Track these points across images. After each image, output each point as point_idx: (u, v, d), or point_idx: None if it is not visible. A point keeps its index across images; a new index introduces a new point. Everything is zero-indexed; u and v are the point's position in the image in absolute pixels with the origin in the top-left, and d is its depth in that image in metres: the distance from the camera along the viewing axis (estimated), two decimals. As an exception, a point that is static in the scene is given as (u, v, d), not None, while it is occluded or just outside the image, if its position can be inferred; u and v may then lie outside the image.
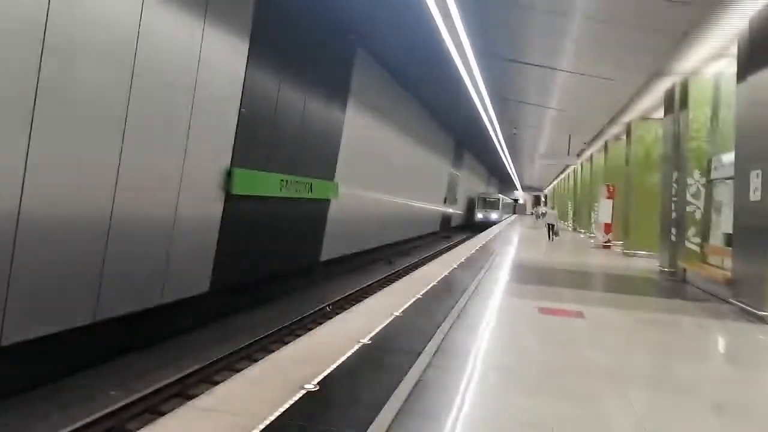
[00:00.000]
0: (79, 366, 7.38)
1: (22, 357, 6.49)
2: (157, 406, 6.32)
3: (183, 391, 6.79)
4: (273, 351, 8.68)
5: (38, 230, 6.14)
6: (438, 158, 30.82)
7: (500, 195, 47.20)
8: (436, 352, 4.96)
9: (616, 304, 8.21)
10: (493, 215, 44.38)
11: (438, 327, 5.87)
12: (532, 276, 11.01)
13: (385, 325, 5.84)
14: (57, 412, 6.13)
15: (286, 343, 8.33)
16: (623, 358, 5.18)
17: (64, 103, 6.24)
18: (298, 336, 9.72)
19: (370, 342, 5.13)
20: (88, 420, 5.65)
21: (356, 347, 4.94)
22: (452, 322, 6.18)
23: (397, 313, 6.42)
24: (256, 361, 8.28)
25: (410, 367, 4.41)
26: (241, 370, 7.94)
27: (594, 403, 3.95)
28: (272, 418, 3.35)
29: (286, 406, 3.54)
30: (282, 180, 11.78)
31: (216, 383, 7.22)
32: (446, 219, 36.52)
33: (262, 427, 3.22)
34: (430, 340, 5.31)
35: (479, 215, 44.65)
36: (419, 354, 4.83)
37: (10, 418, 5.88)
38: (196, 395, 6.69)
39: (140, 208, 7.67)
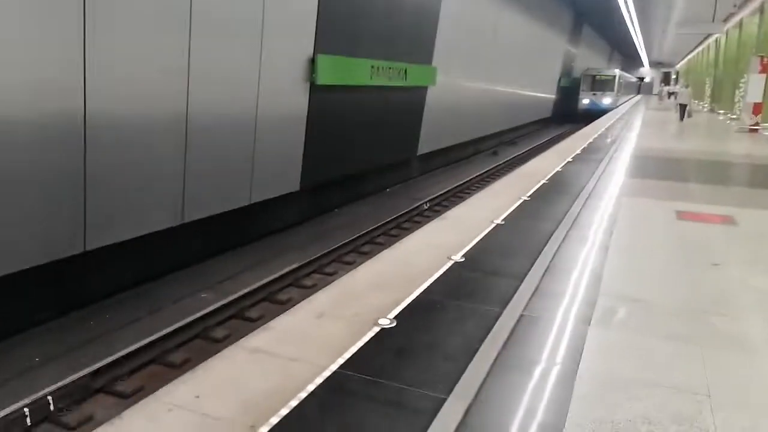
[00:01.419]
0: (170, 269, 7.36)
1: (109, 262, 6.47)
2: (246, 309, 6.12)
3: (270, 296, 6.55)
4: (365, 253, 8.44)
5: (109, 130, 5.78)
6: (552, 33, 27.76)
7: (617, 71, 33.78)
8: (544, 274, 4.07)
9: (776, 206, 6.71)
10: (606, 100, 31.58)
11: (548, 239, 4.93)
12: (663, 169, 9.51)
13: (483, 236, 5.00)
14: (147, 316, 6.11)
15: (369, 256, 7.78)
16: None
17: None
18: (393, 237, 9.23)
19: (463, 260, 4.33)
20: (178, 325, 5.51)
21: (447, 266, 4.17)
22: (566, 232, 5.21)
23: (499, 221, 5.53)
24: (347, 264, 7.94)
25: (509, 300, 3.58)
26: (332, 274, 7.83)
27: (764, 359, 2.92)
28: (335, 367, 2.72)
29: (354, 349, 2.89)
30: (373, 66, 10.82)
31: (305, 287, 6.93)
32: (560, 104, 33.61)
33: (320, 380, 2.60)
34: (537, 258, 4.41)
35: (584, 101, 31.77)
36: (522, 278, 3.97)
37: (100, 324, 5.92)
38: (282, 300, 6.48)
39: (215, 106, 7.13)
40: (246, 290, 6.35)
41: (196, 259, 7.82)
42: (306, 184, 9.68)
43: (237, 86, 7.57)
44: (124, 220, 6.25)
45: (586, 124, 20.74)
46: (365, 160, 11.85)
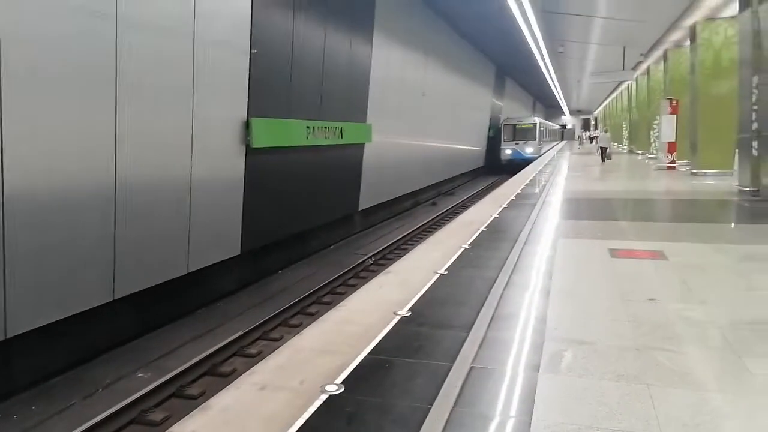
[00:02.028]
0: (105, 348, 6.89)
1: (35, 348, 5.98)
2: (186, 387, 5.74)
3: (213, 369, 6.20)
4: (311, 314, 8.23)
5: (28, 206, 5.46)
6: (478, 87, 29.07)
7: (537, 118, 32.76)
8: (490, 323, 4.05)
9: (700, 237, 7.04)
10: (528, 149, 30.63)
11: (491, 287, 4.93)
12: (593, 210, 9.88)
13: (427, 288, 4.95)
14: (79, 402, 5.63)
15: (315, 317, 7.63)
16: (738, 313, 4.12)
17: (33, 58, 5.40)
18: (339, 295, 9.06)
19: (409, 314, 4.25)
20: (112, 411, 5.09)
21: (393, 322, 4.07)
22: (507, 277, 5.24)
23: (442, 271, 5.52)
24: (293, 327, 7.69)
25: (457, 353, 3.51)
26: (278, 339, 7.55)
27: (716, 394, 2.96)
28: (279, 444, 2.54)
29: (300, 423, 2.72)
30: (308, 126, 10.91)
31: (250, 356, 6.62)
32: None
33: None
34: (482, 307, 4.39)
35: (507, 151, 30.96)
36: (469, 329, 3.92)
37: (26, 417, 5.40)
38: (226, 373, 6.14)
39: (146, 173, 6.91)
40: (186, 365, 5.99)
41: (133, 336, 7.38)
42: (247, 247, 9.47)
43: (169, 152, 7.40)
44: (49, 302, 5.84)
45: (512, 175, 20.05)
46: (307, 218, 11.77)
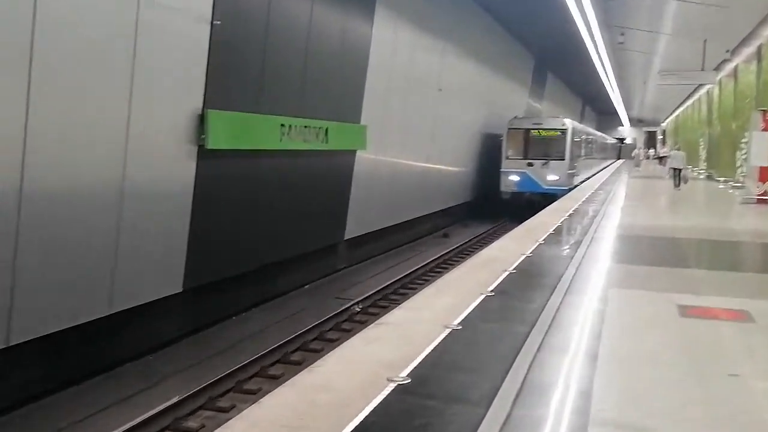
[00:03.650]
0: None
1: None
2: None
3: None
4: (274, 378, 8.17)
5: None
6: (511, 84, 29.47)
7: (568, 121, 26.36)
8: (516, 396, 4.02)
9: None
10: (551, 176, 24.52)
11: (519, 349, 4.92)
12: (657, 252, 9.91)
13: (433, 347, 4.93)
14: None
15: (280, 382, 7.64)
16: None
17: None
18: (314, 353, 9.02)
19: (408, 381, 4.22)
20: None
21: (386, 391, 4.05)
22: (542, 338, 5.22)
23: (454, 325, 5.51)
24: (249, 393, 7.62)
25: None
26: (228, 410, 7.44)
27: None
28: None
29: None
30: (283, 125, 11.02)
31: (189, 432, 6.56)
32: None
33: None
34: (507, 374, 4.37)
35: (511, 178, 24.86)
36: (489, 404, 3.89)
37: None
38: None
39: (59, 182, 6.93)
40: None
41: (35, 395, 7.31)
42: (192, 283, 9.46)
43: (93, 153, 7.43)
44: None
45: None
46: (275, 248, 11.78)
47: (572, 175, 25.69)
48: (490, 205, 25.92)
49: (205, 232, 9.53)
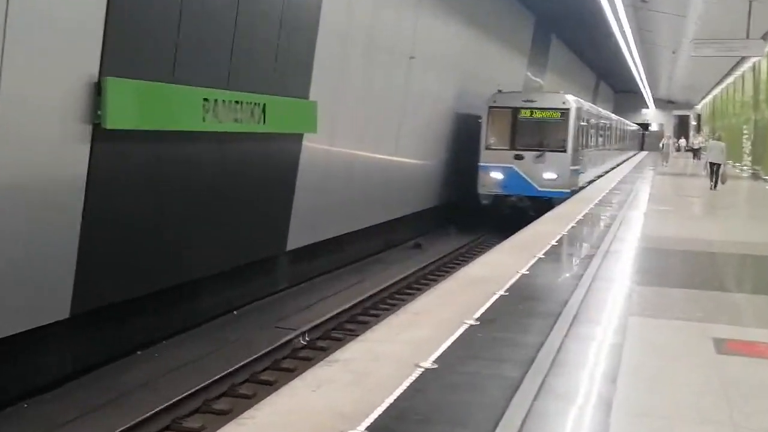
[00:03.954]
0: None
1: None
2: None
3: None
4: (193, 431, 8.08)
5: None
6: (504, 52, 29.70)
7: (571, 98, 25.02)
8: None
9: None
10: (548, 174, 23.34)
11: (511, 395, 4.91)
12: (688, 270, 10.07)
13: (400, 394, 4.90)
14: None
15: None
16: None
17: None
18: (243, 400, 8.96)
19: (365, 438, 4.19)
20: None
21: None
22: (541, 380, 5.24)
23: (428, 364, 5.49)
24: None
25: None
26: None
27: None
28: None
29: None
30: (207, 99, 10.94)
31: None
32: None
33: None
34: (494, 430, 4.35)
35: (491, 176, 23.77)
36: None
37: None
38: None
39: None
40: None
41: None
42: (84, 306, 9.43)
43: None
44: None
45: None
46: (194, 262, 11.75)
47: (576, 173, 24.45)
48: (465, 213, 25.50)
49: (103, 240, 9.45)
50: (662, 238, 13.09)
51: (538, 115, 23.64)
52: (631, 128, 58.98)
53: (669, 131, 72.34)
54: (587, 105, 29.44)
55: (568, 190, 22.90)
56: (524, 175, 23.14)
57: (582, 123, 25.38)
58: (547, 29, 35.60)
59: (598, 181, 28.78)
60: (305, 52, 14.05)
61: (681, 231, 14.32)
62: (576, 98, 25.87)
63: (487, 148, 23.74)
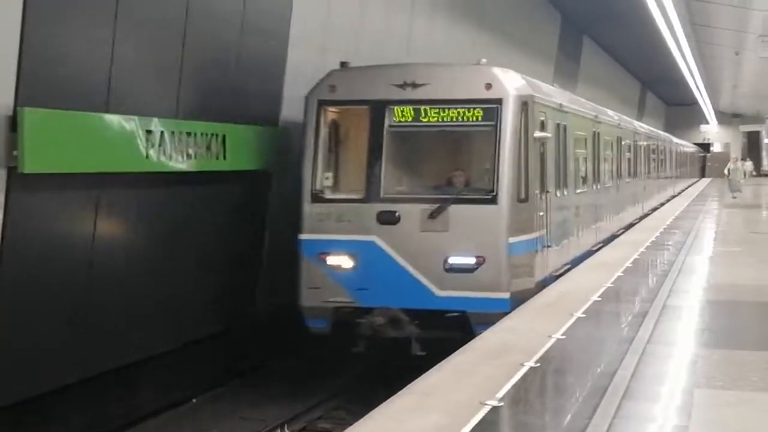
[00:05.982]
0: None
1: None
2: None
3: None
4: None
5: None
6: (520, 59, 29.92)
7: (512, 77, 14.94)
8: None
9: None
10: (457, 257, 13.59)
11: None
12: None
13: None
14: None
15: None
16: None
17: None
18: None
19: None
20: None
21: None
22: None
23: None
24: None
25: None
26: None
27: None
28: None
29: None
30: (150, 131, 11.00)
31: None
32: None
33: None
34: None
35: (328, 267, 13.79)
36: None
37: None
38: None
39: None
40: None
41: None
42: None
43: None
44: None
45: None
46: (133, 346, 11.87)
47: (535, 246, 14.97)
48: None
49: (17, 318, 9.53)
50: (733, 287, 13.08)
51: (432, 117, 14.34)
52: (688, 150, 58.35)
53: (736, 151, 71.97)
54: (561, 94, 20.25)
55: (507, 295, 13.60)
56: (401, 262, 13.97)
57: (546, 133, 15.97)
58: (577, 29, 35.78)
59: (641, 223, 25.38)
60: (273, 66, 14.16)
61: (756, 278, 14.31)
62: (524, 77, 16.01)
63: (316, 198, 14.35)
